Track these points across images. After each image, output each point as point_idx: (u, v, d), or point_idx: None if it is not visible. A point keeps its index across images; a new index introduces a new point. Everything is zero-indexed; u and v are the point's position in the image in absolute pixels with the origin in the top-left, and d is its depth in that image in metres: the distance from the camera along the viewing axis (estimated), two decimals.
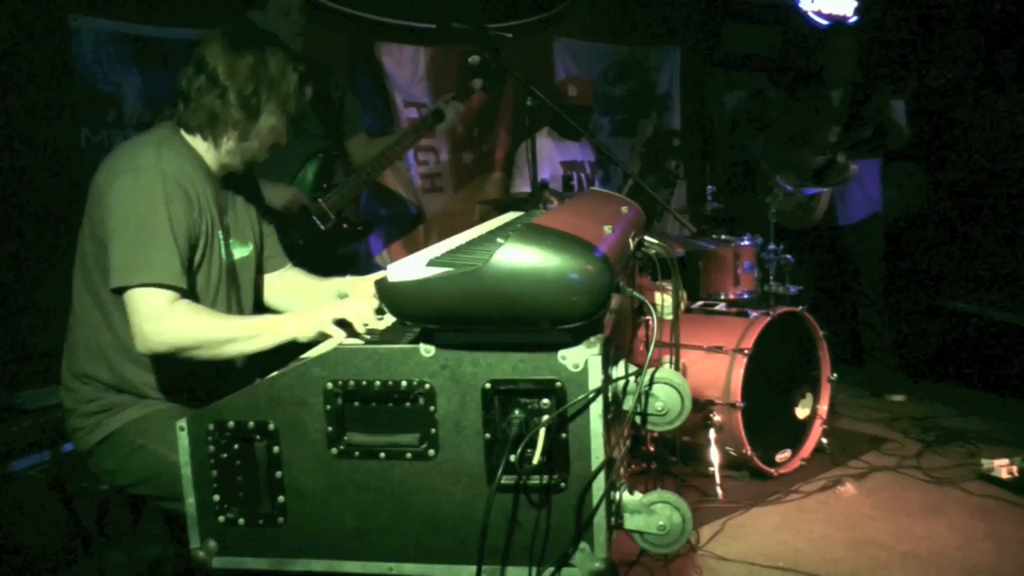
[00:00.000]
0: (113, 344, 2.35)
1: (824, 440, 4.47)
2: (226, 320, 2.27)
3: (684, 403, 1.73)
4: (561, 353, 1.62)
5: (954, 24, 7.14)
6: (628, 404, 1.71)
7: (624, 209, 2.41)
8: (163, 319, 2.16)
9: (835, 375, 4.46)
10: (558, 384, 1.63)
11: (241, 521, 1.80)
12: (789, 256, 4.62)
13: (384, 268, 5.52)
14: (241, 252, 2.56)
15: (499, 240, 1.62)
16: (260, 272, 2.73)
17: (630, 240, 2.09)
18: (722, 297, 4.60)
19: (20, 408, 3.54)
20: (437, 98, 4.11)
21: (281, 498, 1.77)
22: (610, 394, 1.68)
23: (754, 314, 4.22)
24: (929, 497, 3.99)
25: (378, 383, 1.70)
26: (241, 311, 2.56)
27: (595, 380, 1.61)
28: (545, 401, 1.64)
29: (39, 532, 3.36)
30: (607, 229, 1.86)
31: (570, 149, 5.15)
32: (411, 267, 1.64)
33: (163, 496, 2.28)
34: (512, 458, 1.62)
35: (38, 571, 3.25)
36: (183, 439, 1.80)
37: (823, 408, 4.44)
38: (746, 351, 4.00)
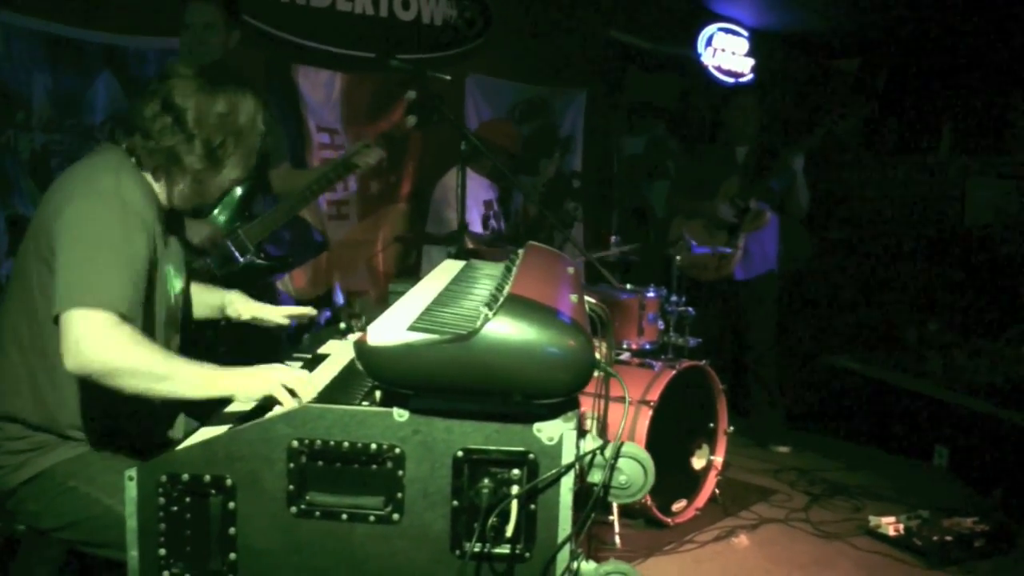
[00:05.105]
0: (44, 372, 2.18)
1: (717, 490, 4.58)
2: (168, 357, 2.07)
3: (647, 477, 1.76)
4: (537, 426, 1.63)
5: (842, 90, 7.53)
6: (594, 477, 1.73)
7: (570, 270, 2.43)
8: (103, 339, 1.97)
9: (731, 427, 4.59)
10: (531, 456, 1.64)
11: None
12: (691, 309, 4.73)
13: (284, 292, 5.33)
14: (177, 287, 2.47)
15: (482, 309, 1.62)
16: (189, 306, 2.64)
17: (585, 307, 2.12)
18: (626, 346, 4.67)
19: None
20: (351, 136, 4.02)
21: (233, 555, 1.72)
22: (577, 467, 1.69)
23: (659, 366, 4.31)
24: (819, 551, 4.13)
25: (346, 444, 1.68)
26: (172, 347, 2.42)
27: (569, 454, 1.63)
28: (515, 472, 1.65)
29: None
30: (573, 298, 1.88)
31: (484, 188, 5.17)
32: (390, 330, 1.63)
33: (90, 542, 2.15)
34: (488, 527, 1.62)
35: None
36: (131, 488, 1.73)
37: (718, 459, 4.55)
38: (652, 403, 4.07)
